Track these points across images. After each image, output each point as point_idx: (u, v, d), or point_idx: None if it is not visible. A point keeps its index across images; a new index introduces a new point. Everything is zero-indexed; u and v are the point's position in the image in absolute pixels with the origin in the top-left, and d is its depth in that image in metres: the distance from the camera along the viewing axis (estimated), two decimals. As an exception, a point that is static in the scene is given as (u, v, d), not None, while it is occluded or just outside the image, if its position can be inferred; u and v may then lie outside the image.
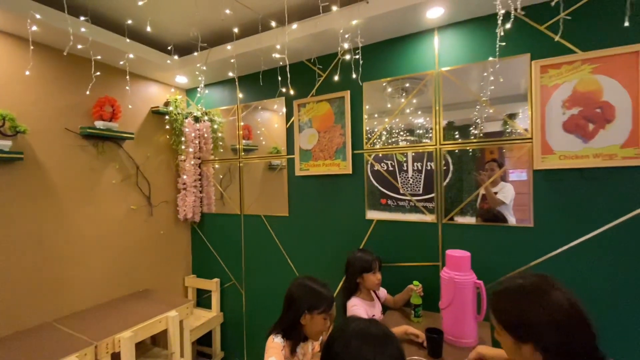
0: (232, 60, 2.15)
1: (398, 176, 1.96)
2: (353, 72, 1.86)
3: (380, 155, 1.99)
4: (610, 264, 1.47)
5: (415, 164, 1.91)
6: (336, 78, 2.02)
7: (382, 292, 1.88)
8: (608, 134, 1.45)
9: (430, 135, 1.85)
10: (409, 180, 1.92)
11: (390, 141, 1.96)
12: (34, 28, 1.59)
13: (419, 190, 1.90)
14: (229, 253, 2.65)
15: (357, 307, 1.69)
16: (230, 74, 2.41)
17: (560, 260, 1.56)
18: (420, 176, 1.90)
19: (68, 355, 1.48)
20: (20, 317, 1.74)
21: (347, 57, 1.96)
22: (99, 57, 1.99)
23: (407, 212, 1.93)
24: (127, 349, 1.66)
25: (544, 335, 0.76)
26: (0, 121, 1.61)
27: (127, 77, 2.07)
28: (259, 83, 2.37)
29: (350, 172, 2.06)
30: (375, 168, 2.01)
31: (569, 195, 1.54)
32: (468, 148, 1.75)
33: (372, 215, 2.02)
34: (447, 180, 1.81)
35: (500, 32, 1.53)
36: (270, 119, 2.44)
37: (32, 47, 1.71)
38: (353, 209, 2.08)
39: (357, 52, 1.85)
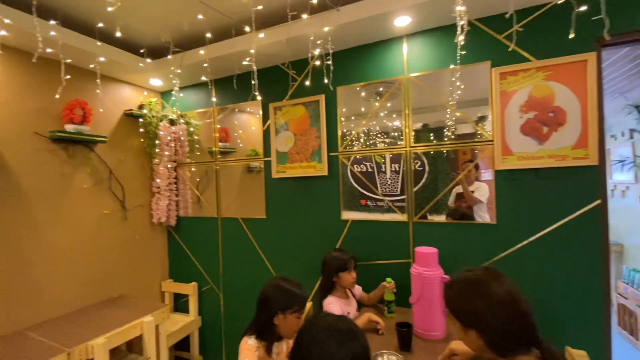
0: (205, 65, 2.16)
1: (377, 177, 2.01)
2: (325, 77, 1.91)
3: (359, 157, 2.04)
4: (564, 256, 1.59)
5: (393, 165, 1.96)
6: (310, 83, 2.07)
7: (357, 289, 1.94)
8: (560, 136, 1.57)
9: (402, 137, 1.92)
10: (387, 181, 1.98)
11: (367, 143, 2.02)
12: (2, 32, 1.55)
13: (396, 190, 1.96)
14: (207, 256, 2.65)
15: (333, 305, 1.74)
16: (205, 78, 2.41)
17: (520, 255, 1.67)
18: (398, 177, 1.96)
19: (37, 365, 1.45)
20: (-14, 327, 1.68)
21: (328, 60, 2.01)
22: (69, 61, 1.95)
23: (385, 212, 1.99)
24: (100, 355, 1.64)
25: (484, 322, 0.83)
26: (-38, 125, 1.56)
27: (98, 80, 2.03)
28: (235, 86, 2.39)
29: (326, 173, 2.11)
30: (355, 170, 2.05)
31: (527, 193, 1.65)
32: (441, 150, 1.82)
33: (348, 215, 2.08)
34: (423, 180, 1.88)
35: (460, 41, 1.62)
36: (248, 121, 2.45)
37: (0, 52, 1.67)
38: (329, 210, 2.14)
39: (328, 58, 1.90)
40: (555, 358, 0.79)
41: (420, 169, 1.89)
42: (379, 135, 2.00)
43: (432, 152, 1.86)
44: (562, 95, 1.56)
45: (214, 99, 2.55)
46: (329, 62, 1.89)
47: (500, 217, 1.71)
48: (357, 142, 2.05)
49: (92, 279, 2.21)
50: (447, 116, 1.82)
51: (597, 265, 1.53)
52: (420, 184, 1.89)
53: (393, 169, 1.97)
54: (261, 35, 1.85)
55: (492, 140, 1.70)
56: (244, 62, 2.00)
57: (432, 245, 1.72)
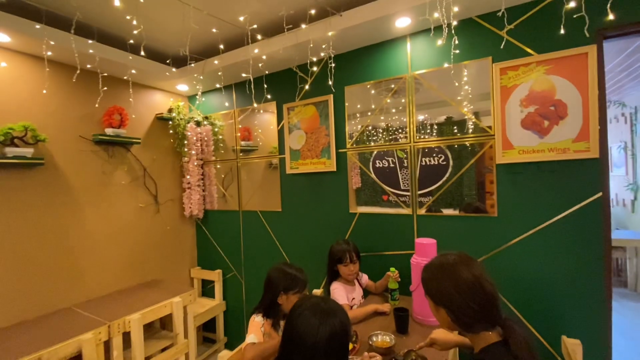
0: (219, 74, 2.36)
1: (399, 173, 2.04)
2: (329, 79, 2.02)
3: (382, 152, 2.08)
4: (565, 249, 1.60)
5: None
6: (317, 85, 2.20)
7: (364, 278, 2.05)
8: (561, 129, 1.58)
9: (420, 132, 1.97)
10: (407, 176, 2.02)
11: (374, 139, 2.10)
12: (49, 53, 1.83)
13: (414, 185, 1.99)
14: (230, 246, 2.87)
15: (338, 289, 1.87)
16: (219, 84, 2.61)
17: (521, 247, 1.70)
18: (415, 172, 1.98)
19: (85, 333, 1.72)
20: (43, 302, 2.00)
21: (331, 64, 2.12)
22: (105, 74, 2.22)
23: (392, 207, 2.07)
24: (135, 328, 1.90)
25: (451, 301, 0.93)
26: (23, 131, 1.86)
27: (130, 90, 2.30)
28: (251, 89, 2.57)
29: (335, 169, 2.24)
30: (377, 165, 2.11)
31: (528, 187, 1.68)
32: (465, 143, 1.82)
33: (356, 209, 2.20)
34: (447, 174, 1.90)
35: (454, 40, 1.67)
36: (269, 120, 2.61)
37: (47, 69, 1.96)
38: (338, 203, 2.26)
39: (330, 60, 2.01)
40: (516, 335, 0.86)
41: (444, 163, 1.91)
42: (384, 132, 2.08)
43: (456, 146, 1.85)
44: (563, 88, 1.57)
45: (234, 101, 2.76)
46: (332, 65, 1.99)
47: (502, 210, 1.74)
48: (370, 138, 2.12)
49: (130, 264, 2.51)
50: (448, 112, 1.87)
51: (598, 257, 1.54)
52: (444, 178, 1.90)
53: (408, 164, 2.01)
54: (270, 41, 2.00)
55: (493, 135, 1.74)
56: (259, 65, 2.16)
57: (435, 237, 1.80)
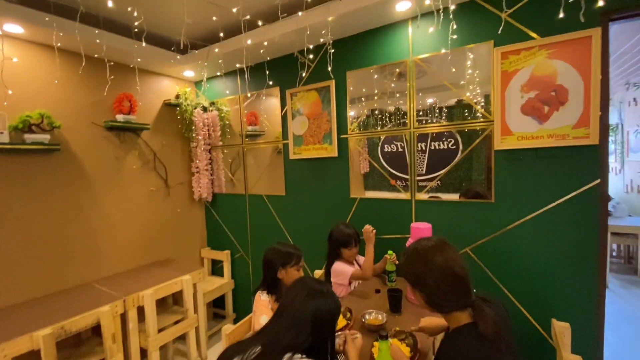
0: (219, 61, 2.40)
1: (407, 157, 2.04)
2: (329, 64, 2.02)
3: (390, 137, 2.08)
4: (561, 234, 1.62)
5: (419, 144, 2.00)
6: (320, 69, 2.20)
7: (361, 259, 2.12)
8: (561, 115, 1.56)
9: (419, 117, 1.97)
10: (417, 160, 2.01)
11: (382, 124, 2.10)
12: (59, 44, 1.90)
13: (422, 170, 2.01)
14: (237, 228, 2.99)
15: (341, 264, 1.95)
16: (229, 69, 2.65)
17: (517, 232, 1.72)
18: (424, 156, 2.00)
19: (103, 306, 1.87)
20: (64, 278, 2.16)
21: (330, 50, 2.12)
22: (112, 63, 2.28)
23: (392, 191, 2.11)
24: (149, 303, 2.04)
25: (423, 283, 0.99)
26: (40, 119, 1.97)
27: (137, 77, 2.36)
28: (257, 74, 2.59)
29: (336, 155, 2.28)
30: (386, 150, 2.12)
31: (525, 173, 1.68)
32: (476, 128, 1.80)
33: (357, 193, 2.24)
34: (457, 159, 1.89)
35: (452, 25, 1.64)
36: (274, 105, 2.63)
37: (58, 60, 2.05)
38: (339, 188, 2.31)
39: (329, 46, 2.00)
40: (484, 316, 0.90)
41: (454, 147, 1.90)
42: (384, 118, 2.08)
43: (466, 130, 1.83)
44: (565, 73, 1.54)
45: (241, 86, 2.80)
46: (332, 51, 1.99)
47: (499, 195, 1.76)
48: (377, 122, 2.12)
49: (143, 244, 2.66)
50: (449, 97, 1.86)
51: (593, 243, 1.55)
52: (454, 163, 1.90)
53: (419, 149, 2.01)
54: (270, 27, 2.01)
55: (492, 121, 1.73)
56: (261, 52, 2.18)
57: (432, 222, 1.83)
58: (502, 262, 1.77)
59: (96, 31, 1.97)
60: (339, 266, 1.95)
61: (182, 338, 2.40)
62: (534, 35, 1.61)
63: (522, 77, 1.63)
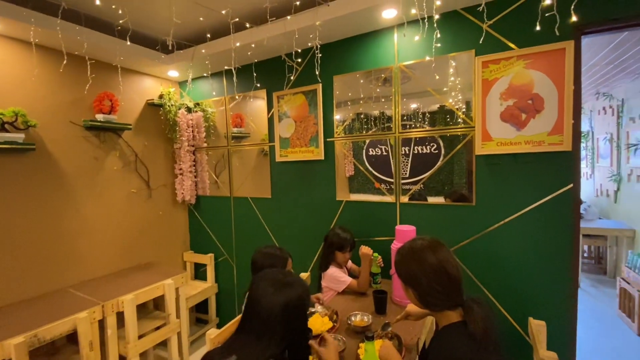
0: (206, 62, 2.37)
1: (391, 161, 2.08)
2: (316, 69, 2.04)
3: (376, 140, 2.12)
4: (537, 236, 1.69)
5: (403, 148, 2.05)
6: (307, 73, 2.22)
7: (349, 262, 2.14)
8: (538, 122, 1.64)
9: (403, 122, 2.02)
10: (401, 164, 2.05)
11: (367, 128, 2.13)
12: (37, 40, 1.83)
13: (406, 173, 2.05)
14: (222, 231, 2.95)
15: (338, 271, 1.95)
16: (215, 69, 2.62)
17: (497, 234, 1.79)
18: (408, 160, 2.04)
19: (80, 312, 1.80)
20: (39, 284, 2.07)
21: (318, 54, 2.14)
22: (93, 60, 2.22)
23: (376, 194, 2.14)
24: (128, 308, 1.98)
25: (417, 281, 1.01)
26: (13, 117, 1.88)
27: (119, 76, 2.30)
28: (243, 76, 2.58)
29: (323, 157, 2.29)
30: (371, 153, 2.16)
31: (504, 177, 1.75)
32: (457, 133, 1.86)
33: (342, 196, 2.27)
34: (439, 162, 1.94)
35: (436, 33, 1.70)
36: (260, 107, 2.62)
37: (35, 56, 1.97)
38: (325, 191, 2.33)
39: (317, 50, 2.02)
40: (474, 315, 0.94)
41: (436, 151, 1.95)
42: (369, 122, 2.12)
43: (448, 135, 1.89)
44: (541, 83, 1.62)
45: (227, 87, 2.77)
46: (319, 55, 2.01)
47: (480, 199, 1.82)
48: (362, 126, 2.15)
49: (124, 248, 2.58)
50: (432, 103, 1.92)
51: (567, 245, 1.63)
52: (436, 167, 1.95)
53: (403, 152, 2.05)
54: (258, 29, 2.01)
55: (473, 127, 1.80)
56: (248, 54, 2.18)
57: (416, 224, 1.88)
58: (483, 263, 1.83)
59: (77, 27, 1.91)
60: (336, 272, 1.95)
61: (164, 344, 2.33)
62: (512, 45, 1.69)
63: (502, 85, 1.71)
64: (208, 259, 2.96)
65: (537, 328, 1.46)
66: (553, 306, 1.67)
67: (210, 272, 2.96)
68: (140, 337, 2.10)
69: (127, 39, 1.79)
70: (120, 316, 2.00)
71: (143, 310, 2.50)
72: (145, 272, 2.48)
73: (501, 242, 1.78)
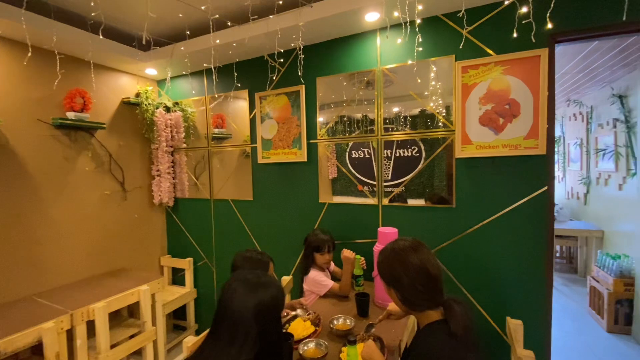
0: (185, 60, 2.31)
1: (374, 163, 2.09)
2: (299, 69, 2.03)
3: (357, 143, 2.12)
4: (514, 237, 1.74)
5: (385, 151, 2.06)
6: (290, 74, 2.20)
7: (332, 265, 2.13)
8: (514, 127, 1.69)
9: (386, 125, 2.03)
10: (383, 167, 2.06)
11: (350, 130, 2.13)
12: None
13: (388, 176, 2.06)
14: (201, 234, 2.87)
15: (320, 275, 1.93)
16: (195, 68, 2.56)
17: (476, 235, 1.82)
18: (390, 163, 2.05)
19: (46, 322, 1.69)
20: (1, 292, 1.93)
21: (301, 55, 2.13)
22: (62, 56, 2.11)
23: (359, 196, 2.14)
24: (100, 317, 1.88)
25: (399, 282, 1.02)
26: (-26, 113, 1.76)
27: (92, 73, 2.20)
28: (225, 76, 2.53)
29: (306, 159, 2.27)
30: (354, 156, 2.16)
31: (483, 180, 1.79)
32: (437, 137, 1.89)
33: (326, 199, 2.25)
34: (420, 165, 1.96)
35: (418, 38, 1.73)
36: (242, 108, 2.57)
37: None
38: (308, 193, 2.31)
39: (300, 52, 2.01)
40: (454, 314, 0.95)
41: (417, 155, 1.98)
42: (352, 124, 2.12)
43: (429, 139, 1.92)
44: (518, 88, 1.67)
45: (205, 88, 2.71)
46: (302, 56, 2.00)
47: (459, 201, 1.85)
48: (345, 129, 2.15)
49: (96, 252, 2.46)
50: (414, 106, 1.94)
51: (542, 246, 1.68)
52: (417, 169, 1.97)
53: (385, 155, 2.06)
54: (241, 28, 1.97)
55: (454, 130, 1.83)
56: (229, 53, 2.13)
57: (398, 226, 1.89)
58: (462, 263, 1.86)
59: (45, 19, 1.80)
60: (317, 276, 1.92)
61: (139, 353, 2.23)
62: (490, 52, 1.73)
63: (480, 90, 1.75)
64: (187, 264, 2.87)
65: (515, 327, 1.49)
66: (529, 305, 1.72)
67: (189, 277, 2.87)
68: (113, 346, 2.00)
69: (100, 33, 1.71)
70: (91, 325, 1.90)
71: (116, 318, 2.39)
72: (119, 278, 2.37)
73: (480, 243, 1.81)
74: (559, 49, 1.70)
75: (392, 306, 1.36)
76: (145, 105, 2.69)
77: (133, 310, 2.48)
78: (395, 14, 1.63)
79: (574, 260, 4.40)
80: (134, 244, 2.76)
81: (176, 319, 2.98)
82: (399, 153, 2.03)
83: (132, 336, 2.19)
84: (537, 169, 1.67)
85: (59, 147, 2.22)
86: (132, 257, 2.73)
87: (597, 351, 2.60)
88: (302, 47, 2.02)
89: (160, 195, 2.84)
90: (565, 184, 4.91)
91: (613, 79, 3.15)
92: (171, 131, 2.82)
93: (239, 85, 2.35)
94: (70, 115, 2.20)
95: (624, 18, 1.40)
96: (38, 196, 2.11)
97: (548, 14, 1.38)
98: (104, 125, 2.41)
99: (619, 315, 2.80)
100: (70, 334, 1.82)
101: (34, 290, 2.08)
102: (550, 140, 1.64)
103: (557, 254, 4.74)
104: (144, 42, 2.00)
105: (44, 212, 2.14)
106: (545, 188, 1.66)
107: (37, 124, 2.09)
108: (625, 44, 2.31)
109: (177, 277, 3.01)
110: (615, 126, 3.25)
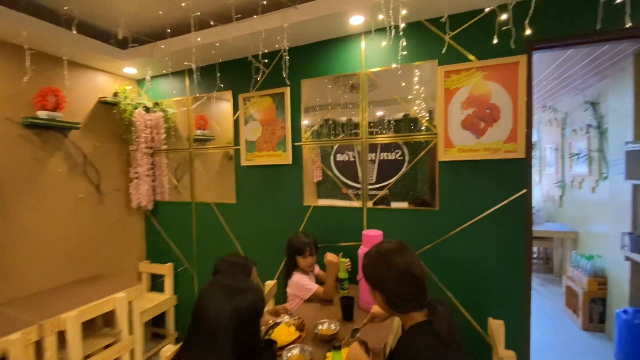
0: (166, 59, 2.26)
1: (358, 167, 2.09)
2: (284, 71, 2.00)
3: (343, 146, 2.12)
4: (494, 240, 1.77)
5: (369, 154, 2.06)
6: (275, 75, 2.18)
7: (316, 268, 2.10)
8: (495, 131, 1.73)
9: (370, 129, 2.04)
10: (368, 170, 2.06)
11: (336, 133, 2.13)
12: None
13: (372, 179, 2.06)
14: (182, 239, 2.78)
15: (304, 278, 1.90)
16: (177, 68, 2.49)
17: (458, 237, 1.85)
18: (374, 166, 2.06)
19: (12, 334, 1.58)
20: (-36, 301, 1.80)
21: (286, 56, 2.11)
22: (32, 51, 2.00)
23: (344, 199, 2.14)
24: (72, 327, 1.78)
25: (384, 285, 1.02)
26: None
27: (65, 70, 2.09)
28: (207, 76, 2.47)
29: (290, 162, 2.25)
30: (339, 159, 2.15)
31: (465, 183, 1.82)
32: (420, 140, 1.91)
33: (310, 202, 2.23)
34: (403, 169, 1.98)
35: (402, 42, 1.75)
36: (226, 109, 2.52)
37: None
38: (293, 196, 2.28)
39: (285, 53, 1.99)
40: (438, 315, 0.96)
41: (401, 158, 1.99)
42: (338, 127, 2.12)
43: (412, 142, 1.94)
44: (498, 93, 1.71)
45: (190, 87, 2.64)
46: (287, 57, 1.98)
47: (442, 204, 1.88)
48: (330, 132, 2.14)
49: (69, 259, 2.34)
50: (398, 110, 1.96)
51: (521, 247, 1.72)
52: (401, 173, 1.98)
53: (370, 159, 2.07)
54: (225, 28, 1.94)
55: (436, 134, 1.86)
56: (212, 52, 2.09)
57: (383, 229, 1.88)
58: (446, 266, 1.88)
59: (14, 12, 1.71)
60: (302, 279, 1.89)
61: (114, 364, 2.13)
62: (471, 57, 1.77)
63: (462, 94, 1.78)
64: (166, 269, 2.77)
65: (496, 328, 1.51)
66: (509, 305, 1.75)
67: (168, 283, 2.78)
68: (87, 357, 1.90)
69: (73, 28, 1.63)
70: (62, 336, 1.79)
71: (91, 327, 2.27)
72: (93, 286, 2.26)
73: (462, 245, 1.84)
74: (536, 56, 1.75)
75: (376, 308, 1.35)
76: (124, 105, 2.59)
77: (109, 319, 2.36)
78: (380, 16, 1.64)
79: (550, 261, 4.56)
80: (111, 250, 2.64)
81: (155, 327, 2.87)
82: (383, 156, 2.04)
83: (107, 346, 2.09)
84: (516, 172, 1.71)
85: (29, 147, 2.10)
86: (108, 263, 2.62)
87: (573, 349, 2.68)
88: (287, 48, 2.00)
89: (138, 198, 2.74)
90: (541, 187, 5.09)
91: (585, 86, 3.30)
92: (151, 132, 2.73)
93: (222, 86, 2.31)
94: (42, 114, 2.09)
95: (598, 27, 1.46)
96: (5, 199, 1.98)
97: (527, 21, 1.42)
98: (79, 125, 2.31)
99: (593, 314, 2.91)
100: (40, 346, 1.72)
101: (0, 299, 1.95)
102: (529, 145, 1.68)
103: (535, 255, 4.90)
104: (119, 37, 1.92)
105: (11, 216, 2.02)
106: (525, 191, 1.70)
107: (4, 122, 1.98)
108: (597, 54, 2.42)
109: (156, 284, 2.90)
110: (588, 132, 3.39)
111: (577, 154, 3.60)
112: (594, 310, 2.91)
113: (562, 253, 4.18)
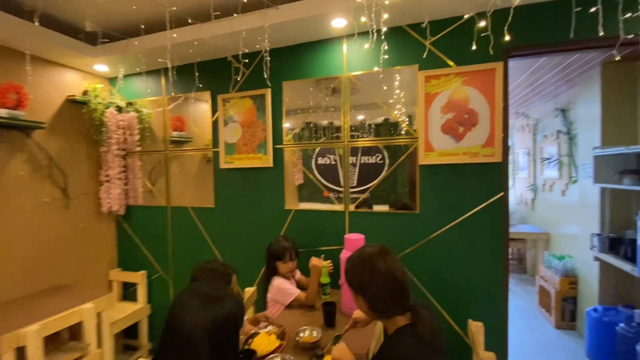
0: (140, 57, 2.17)
1: (339, 170, 2.09)
2: (265, 72, 1.96)
3: (324, 149, 2.11)
4: (473, 242, 1.80)
5: (350, 158, 2.05)
6: (256, 77, 2.13)
7: (297, 273, 2.06)
8: (473, 135, 1.76)
9: (351, 132, 2.03)
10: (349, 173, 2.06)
11: (317, 136, 2.10)
12: None
13: (353, 182, 2.05)
14: (156, 245, 2.66)
15: (285, 283, 1.85)
16: (153, 67, 2.40)
17: (438, 240, 1.87)
18: (355, 169, 2.05)
19: (-38, 352, 1.44)
20: None
21: (267, 57, 2.07)
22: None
23: (329, 204, 2.12)
24: (33, 342, 1.64)
25: (367, 289, 1.00)
26: None
27: (28, 66, 1.94)
28: (185, 76, 2.39)
29: (271, 165, 2.20)
30: (320, 162, 2.14)
31: (445, 186, 1.84)
32: (400, 144, 1.93)
33: (292, 205, 2.19)
34: (384, 172, 1.98)
35: (384, 46, 1.76)
36: (205, 110, 2.43)
37: None
38: (274, 200, 2.23)
39: (266, 54, 1.95)
40: (421, 318, 0.95)
41: (381, 162, 2.00)
42: (320, 130, 2.10)
43: (392, 146, 1.96)
44: (476, 99, 1.75)
45: (166, 87, 2.54)
46: (268, 59, 1.95)
47: (423, 207, 1.89)
48: (312, 135, 2.12)
49: (33, 267, 2.17)
50: (379, 114, 1.97)
51: (498, 249, 1.75)
52: (381, 176, 1.99)
53: (351, 162, 2.06)
54: (203, 26, 1.88)
55: (417, 138, 1.87)
56: (190, 51, 2.02)
57: (365, 232, 1.87)
58: (426, 268, 1.89)
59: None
60: (282, 284, 1.84)
61: (80, 380, 1.99)
62: (451, 63, 1.80)
63: (442, 99, 1.80)
64: (139, 277, 2.64)
65: (476, 329, 1.52)
66: (488, 307, 1.78)
67: (141, 292, 2.64)
68: (48, 375, 1.76)
69: (35, 20, 1.52)
70: (22, 352, 1.65)
71: (55, 341, 2.12)
72: (59, 297, 2.11)
73: (442, 248, 1.86)
74: (511, 64, 1.81)
75: (358, 313, 1.34)
76: (94, 104, 2.46)
77: (76, 332, 2.21)
78: (363, 18, 1.64)
79: (524, 261, 4.72)
80: (79, 258, 2.49)
81: (127, 339, 2.72)
82: (364, 160, 2.04)
83: (73, 361, 1.95)
84: (493, 176, 1.75)
85: (-13, 148, 1.95)
86: (75, 272, 2.46)
87: (547, 347, 2.77)
88: (268, 49, 1.96)
89: (109, 202, 2.60)
90: (515, 191, 5.28)
91: (556, 94, 3.45)
92: (123, 133, 2.60)
93: (201, 86, 2.23)
94: (2, 112, 1.94)
95: (571, 36, 1.52)
96: (-43, 204, 1.82)
97: (506, 27, 1.46)
98: (44, 125, 2.16)
99: (565, 312, 3.02)
100: (-6, 364, 1.58)
101: (-52, 314, 1.78)
102: (505, 149, 1.73)
103: (510, 256, 5.07)
104: (88, 31, 1.81)
105: (-36, 222, 1.85)
106: (502, 194, 1.74)
107: (-42, 121, 1.82)
108: (568, 62, 2.53)
109: (128, 293, 2.76)
110: (558, 137, 3.55)
111: (548, 159, 3.76)
112: (565, 309, 3.02)
113: (534, 254, 4.34)
